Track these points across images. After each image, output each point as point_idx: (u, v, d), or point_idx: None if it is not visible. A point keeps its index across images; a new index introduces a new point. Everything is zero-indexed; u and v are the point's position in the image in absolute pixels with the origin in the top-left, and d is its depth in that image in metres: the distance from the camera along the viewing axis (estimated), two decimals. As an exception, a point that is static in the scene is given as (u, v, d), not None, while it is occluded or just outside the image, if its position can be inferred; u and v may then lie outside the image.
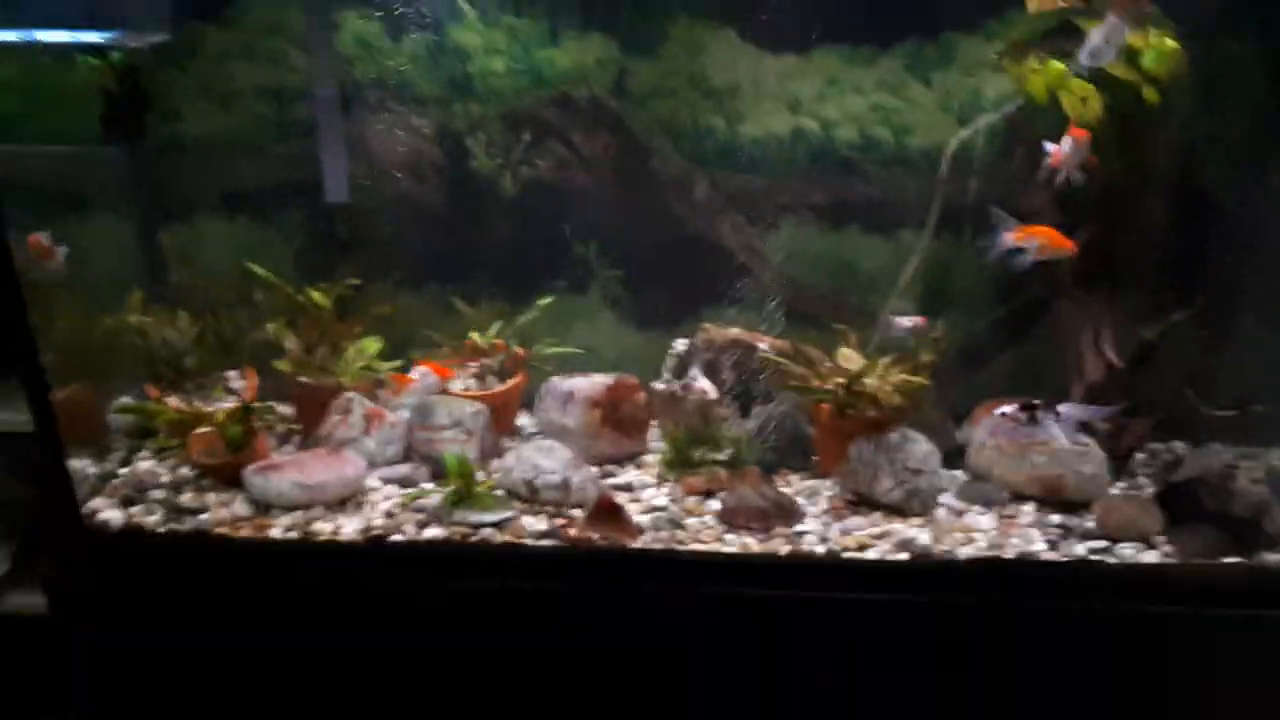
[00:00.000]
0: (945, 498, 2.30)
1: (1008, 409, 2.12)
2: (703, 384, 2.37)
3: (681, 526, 2.20)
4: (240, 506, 2.20)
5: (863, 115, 2.42)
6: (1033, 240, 2.09)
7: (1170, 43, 1.94)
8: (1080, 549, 2.15)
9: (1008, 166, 2.33)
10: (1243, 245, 2.30)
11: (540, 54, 2.40)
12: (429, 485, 2.30)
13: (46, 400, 2.04)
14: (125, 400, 2.47)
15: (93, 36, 2.08)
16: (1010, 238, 2.09)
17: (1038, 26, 2.12)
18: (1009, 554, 2.13)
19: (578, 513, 2.22)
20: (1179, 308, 2.25)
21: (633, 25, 2.38)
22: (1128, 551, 2.14)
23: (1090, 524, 2.21)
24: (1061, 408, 2.09)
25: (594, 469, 2.34)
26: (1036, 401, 2.09)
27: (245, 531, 2.14)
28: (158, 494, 2.23)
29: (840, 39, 2.37)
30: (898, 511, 2.24)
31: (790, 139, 2.44)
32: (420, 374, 2.29)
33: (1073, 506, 2.26)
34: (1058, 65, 2.07)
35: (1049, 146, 2.08)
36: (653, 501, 2.29)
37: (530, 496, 2.24)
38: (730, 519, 2.21)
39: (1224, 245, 2.29)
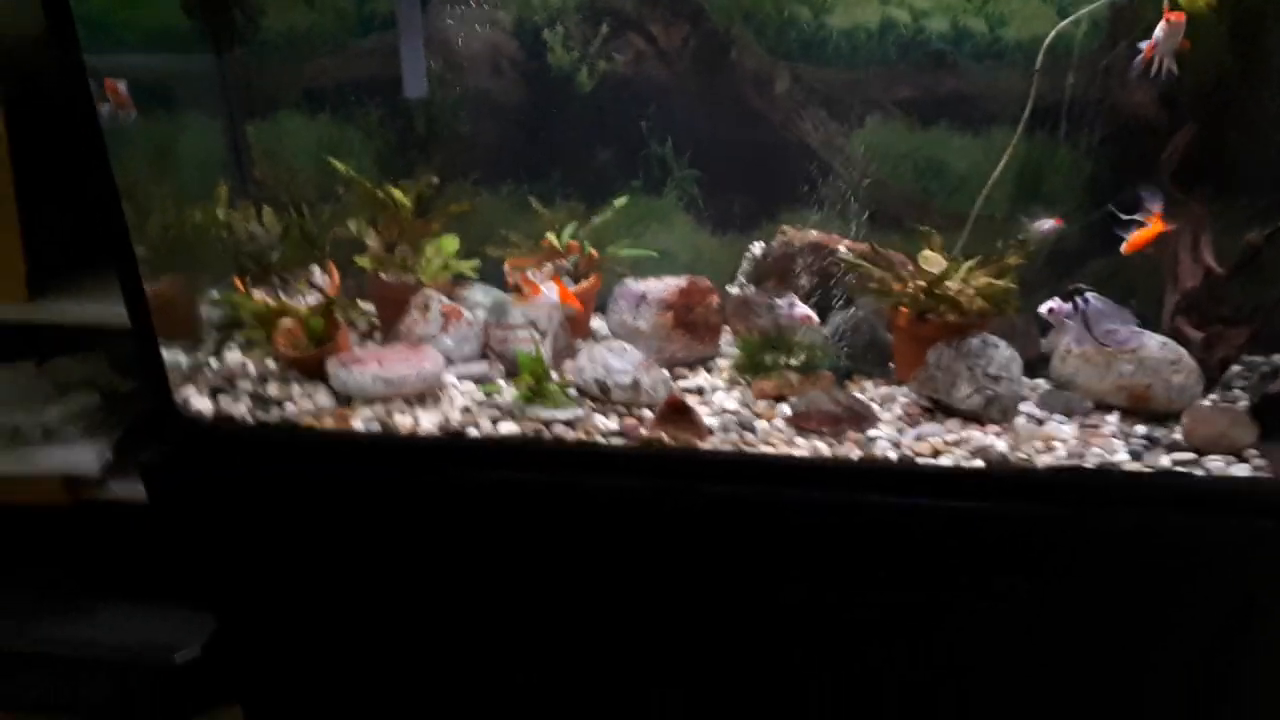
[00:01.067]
0: (1026, 406, 2.25)
1: (1054, 304, 2.06)
2: (801, 309, 2.31)
3: (751, 429, 2.20)
4: (323, 398, 2.27)
5: (955, 5, 2.29)
6: None
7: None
8: (1165, 460, 2.09)
9: (1109, 60, 2.19)
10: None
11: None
12: (503, 383, 2.34)
13: (141, 294, 2.11)
14: (216, 297, 2.54)
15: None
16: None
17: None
18: (1089, 463, 2.08)
19: (649, 413, 2.23)
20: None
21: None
22: (1216, 464, 2.07)
23: (1178, 435, 2.15)
24: (1093, 298, 2.04)
25: (665, 371, 2.34)
26: (1080, 286, 2.04)
27: (328, 422, 2.21)
28: (245, 385, 2.32)
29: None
30: (975, 418, 2.19)
31: (878, 30, 2.34)
32: (548, 289, 2.30)
33: (1160, 417, 2.19)
34: (1170, -53, 1.93)
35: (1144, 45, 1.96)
36: (723, 404, 2.29)
37: (602, 396, 2.26)
38: (800, 422, 2.20)
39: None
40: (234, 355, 2.43)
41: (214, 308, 2.45)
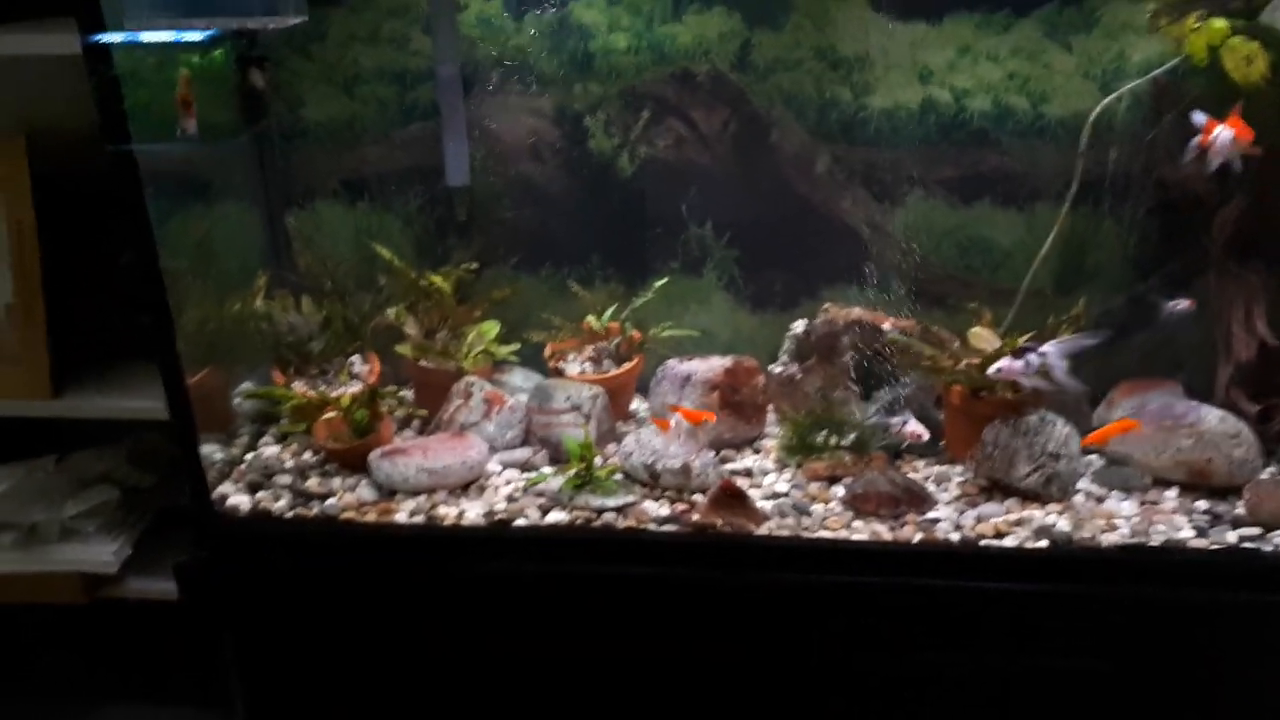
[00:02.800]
0: (1083, 483, 2.21)
1: (1003, 364, 2.08)
2: (914, 427, 2.26)
3: (807, 513, 2.15)
4: (365, 491, 2.21)
5: (997, 83, 2.31)
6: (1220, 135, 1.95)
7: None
8: (1231, 536, 2.04)
9: (1155, 134, 2.20)
10: None
11: (662, 29, 2.35)
12: (548, 469, 2.29)
13: (182, 386, 2.07)
14: (250, 386, 2.50)
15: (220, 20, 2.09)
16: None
17: (1196, -17, 2.01)
18: (1155, 541, 2.04)
19: (699, 498, 2.18)
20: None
21: (756, -3, 2.32)
22: (1284, 540, 2.03)
23: (1240, 510, 2.10)
24: (1045, 346, 2.06)
25: (712, 454, 2.30)
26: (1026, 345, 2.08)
27: (370, 516, 2.15)
28: (283, 479, 2.26)
29: (974, 6, 2.27)
30: (1034, 497, 2.15)
31: (920, 110, 2.35)
32: (675, 420, 2.25)
33: (1220, 492, 2.15)
34: (1220, 22, 1.94)
35: (1198, 118, 1.96)
36: (774, 487, 2.24)
37: (650, 481, 2.21)
38: (858, 505, 2.15)
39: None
40: (271, 449, 2.38)
41: (250, 400, 2.40)
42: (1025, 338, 2.21)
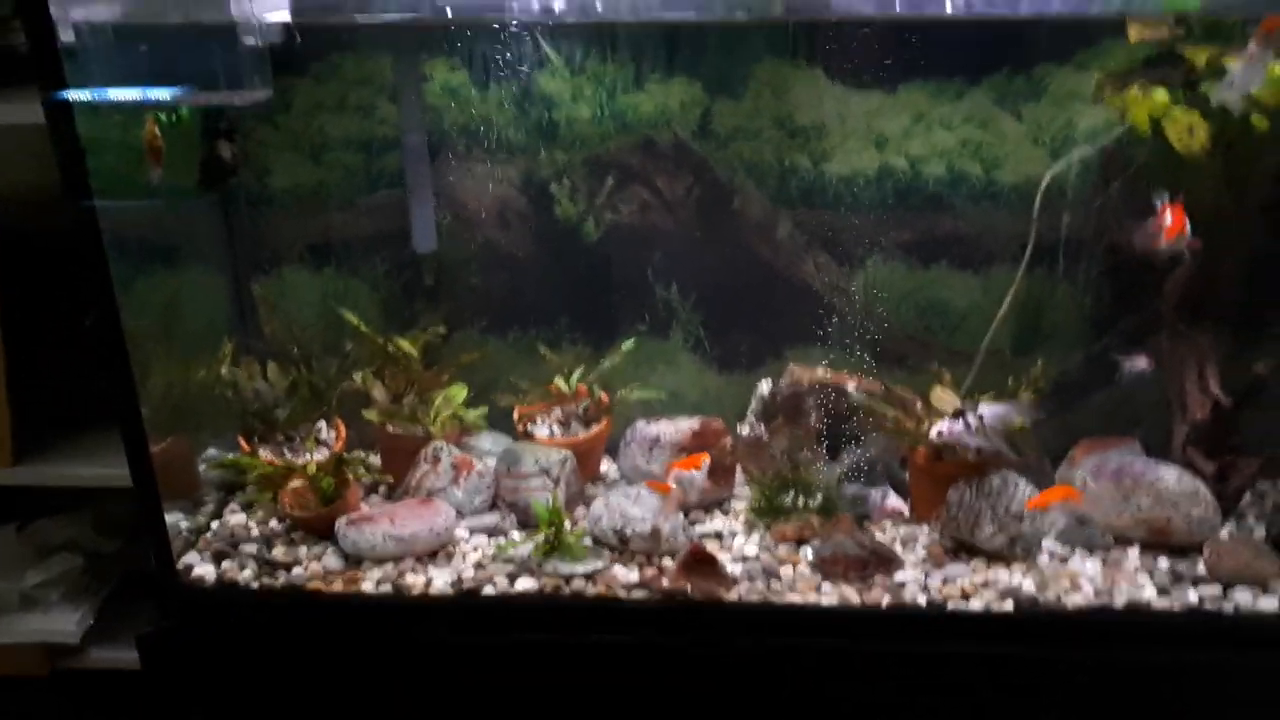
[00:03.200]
0: (1046, 542, 2.24)
1: (943, 427, 2.15)
2: (894, 502, 2.33)
3: (776, 576, 2.15)
4: (331, 559, 2.19)
5: (951, 150, 2.37)
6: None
7: (1278, 68, 1.88)
8: (1193, 595, 2.08)
9: (1104, 200, 2.27)
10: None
11: (625, 99, 2.40)
12: (517, 535, 2.28)
13: (146, 454, 2.05)
14: (214, 453, 2.48)
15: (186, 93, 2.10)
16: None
17: (1138, 56, 2.08)
18: (1119, 602, 2.06)
19: (669, 562, 2.18)
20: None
21: (717, 67, 2.36)
22: (1243, 597, 2.06)
23: (1201, 569, 2.14)
24: (982, 409, 2.15)
25: (682, 516, 2.30)
26: (961, 409, 2.17)
27: (337, 585, 2.13)
28: (249, 548, 2.24)
29: (928, 75, 2.33)
30: (999, 558, 2.17)
31: (877, 176, 2.40)
32: (675, 477, 2.28)
33: (1181, 550, 2.18)
34: (1161, 94, 2.01)
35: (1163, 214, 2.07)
36: (743, 550, 2.25)
37: (620, 545, 2.21)
38: (826, 568, 2.16)
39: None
40: (236, 517, 2.35)
41: (215, 468, 2.38)
42: (985, 398, 2.25)
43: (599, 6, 1.99)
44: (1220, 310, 2.23)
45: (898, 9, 1.94)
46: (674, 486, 2.27)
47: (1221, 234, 2.14)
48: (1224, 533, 2.22)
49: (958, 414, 2.16)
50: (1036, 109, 2.33)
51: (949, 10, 1.84)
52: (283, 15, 1.93)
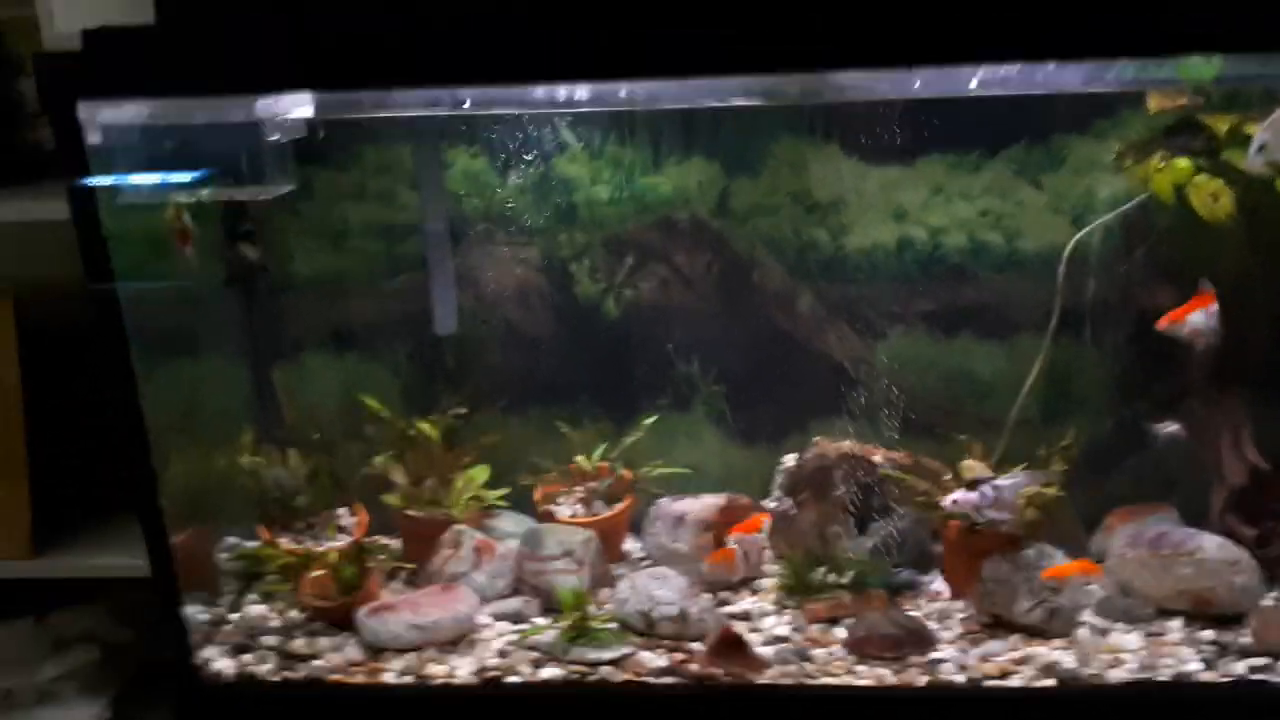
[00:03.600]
0: (1085, 615, 2.18)
1: (958, 495, 2.12)
2: (940, 586, 2.30)
3: (808, 658, 2.09)
4: (352, 650, 2.14)
5: (971, 221, 2.37)
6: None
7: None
8: (1240, 667, 2.01)
9: (1128, 266, 2.26)
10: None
11: (643, 180, 2.41)
12: (541, 620, 2.23)
13: (165, 544, 2.03)
14: (232, 543, 2.45)
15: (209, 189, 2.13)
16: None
17: (1158, 125, 2.08)
18: (1163, 676, 2.00)
19: (697, 645, 2.13)
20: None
21: (735, 146, 2.38)
22: (1293, 669, 2.00)
23: (1246, 639, 2.07)
24: (1000, 479, 2.13)
25: (709, 596, 2.25)
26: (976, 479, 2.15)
27: (359, 677, 2.08)
28: (269, 640, 2.19)
29: (946, 148, 2.34)
30: (1038, 633, 2.11)
31: (896, 248, 2.40)
32: (737, 540, 2.25)
33: (1224, 621, 2.12)
34: (1184, 163, 2.01)
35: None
36: (773, 631, 2.19)
37: (646, 629, 2.15)
38: (860, 648, 2.10)
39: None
40: (256, 608, 2.31)
41: (236, 559, 2.35)
42: (1016, 468, 2.22)
43: (618, 95, 2.02)
44: (1253, 375, 2.20)
45: (914, 87, 1.96)
46: (737, 549, 2.22)
47: (1250, 298, 2.12)
48: (1268, 600, 2.16)
49: (972, 484, 2.13)
50: (1056, 178, 2.33)
51: (966, 87, 1.85)
52: (307, 110, 1.95)
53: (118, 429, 1.95)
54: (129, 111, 1.82)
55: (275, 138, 1.98)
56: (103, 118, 1.77)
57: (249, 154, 1.92)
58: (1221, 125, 2.04)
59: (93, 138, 1.77)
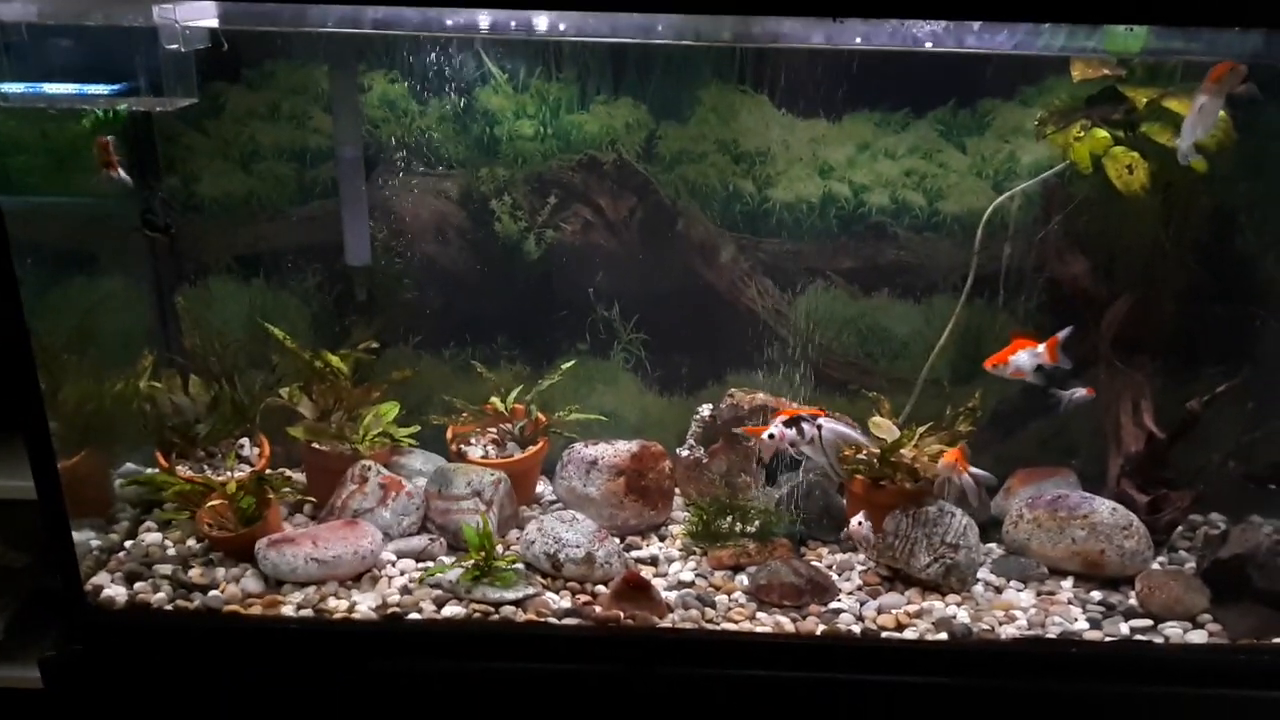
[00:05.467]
0: (982, 572, 2.23)
1: (775, 429, 2.10)
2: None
3: (711, 604, 2.11)
4: (250, 582, 2.10)
5: (895, 180, 2.37)
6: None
7: (1220, 112, 1.91)
8: (1124, 628, 2.09)
9: (1045, 233, 2.28)
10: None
11: (569, 118, 2.36)
12: (446, 559, 2.22)
13: (52, 468, 1.95)
14: (131, 469, 2.37)
15: (105, 95, 2.01)
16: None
17: (1081, 94, 2.09)
18: (1051, 634, 2.06)
19: (602, 589, 2.14)
20: (1223, 378, 2.20)
21: (663, 90, 2.34)
22: (1173, 631, 2.07)
23: (1133, 601, 2.15)
24: (821, 419, 2.10)
25: (617, 541, 2.26)
26: (802, 415, 2.11)
27: (256, 609, 2.05)
28: (164, 569, 2.14)
29: (874, 105, 2.33)
30: (934, 588, 2.16)
31: (820, 203, 2.40)
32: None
33: (1113, 582, 2.20)
34: (1102, 133, 2.03)
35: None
36: (679, 576, 2.21)
37: (553, 571, 2.15)
38: (761, 595, 2.13)
39: (1272, 314, 2.25)
40: (152, 536, 2.25)
41: (130, 485, 2.27)
42: (923, 428, 2.25)
43: (544, 25, 1.95)
44: (1156, 346, 2.26)
45: (849, 40, 1.94)
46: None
47: (1159, 271, 2.17)
48: (1156, 565, 2.24)
49: (792, 421, 2.11)
50: (980, 142, 2.34)
51: (895, 43, 1.84)
52: (210, 19, 1.85)
53: (3, 348, 1.86)
54: (14, 7, 1.70)
55: (174, 46, 1.86)
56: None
57: (146, 62, 1.81)
58: (1142, 98, 2.06)
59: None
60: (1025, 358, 2.10)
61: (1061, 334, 2.10)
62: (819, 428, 2.09)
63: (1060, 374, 2.13)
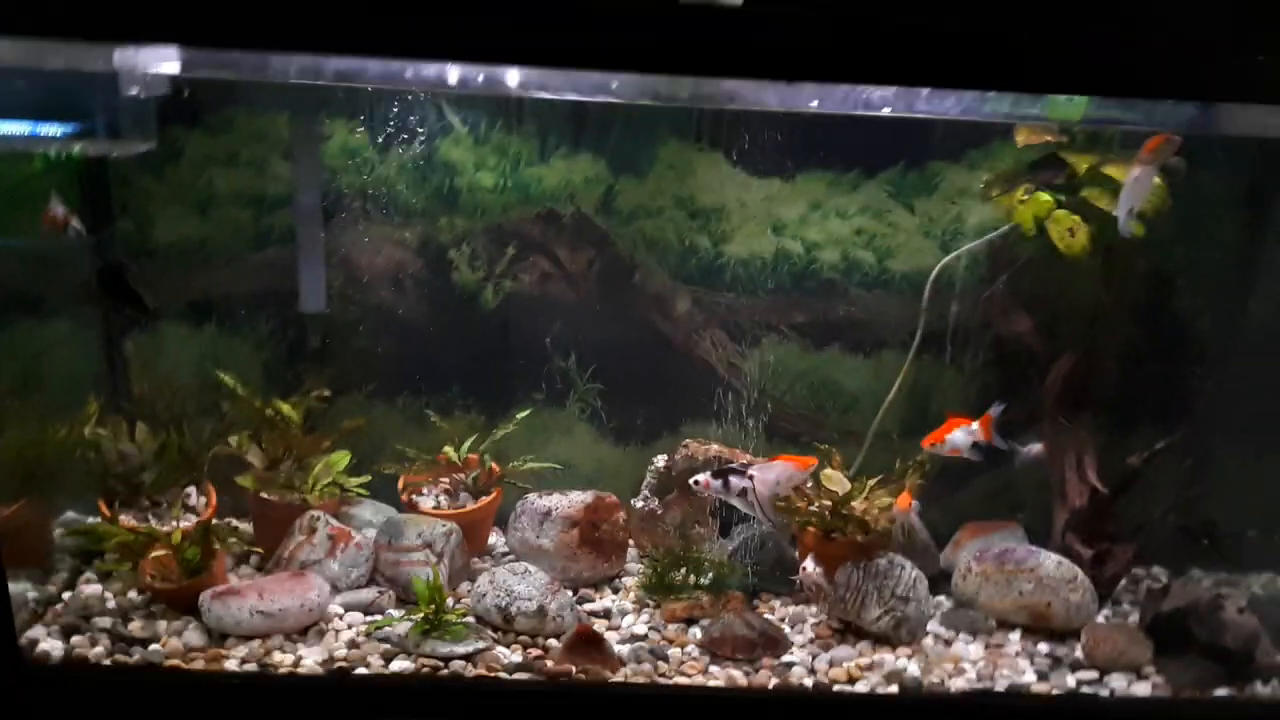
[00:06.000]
0: (932, 625, 2.25)
1: (701, 478, 2.14)
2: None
3: (664, 658, 2.10)
4: (193, 635, 2.05)
5: (846, 238, 2.43)
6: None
7: (1155, 179, 1.99)
8: (1071, 680, 2.11)
9: (990, 291, 2.35)
10: (1227, 374, 2.34)
11: (529, 171, 2.39)
12: (395, 612, 2.18)
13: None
14: (72, 517, 2.31)
15: (61, 137, 1.99)
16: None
17: (1024, 159, 2.17)
18: (1000, 686, 2.08)
19: (554, 642, 2.12)
20: (1163, 435, 2.26)
21: (622, 146, 2.39)
22: (1119, 683, 2.10)
23: (1079, 653, 2.18)
24: (753, 470, 2.12)
25: (570, 594, 2.24)
26: (730, 466, 2.15)
27: (198, 663, 1.99)
28: (104, 621, 2.08)
29: (826, 165, 2.40)
30: (885, 640, 2.18)
31: (774, 260, 2.45)
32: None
33: (1060, 635, 2.23)
34: (1045, 197, 2.11)
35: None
36: (632, 629, 2.20)
37: (504, 624, 2.13)
38: (715, 648, 2.12)
39: (1208, 373, 2.33)
40: (92, 588, 2.19)
41: (71, 535, 2.22)
42: (874, 481, 2.28)
43: (507, 80, 1.98)
44: (1099, 403, 2.32)
45: (803, 103, 2.00)
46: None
47: (1100, 330, 2.24)
48: (1101, 618, 2.28)
49: (720, 472, 2.13)
50: (928, 203, 2.41)
51: (848, 107, 1.90)
52: (172, 66, 1.85)
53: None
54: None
55: (134, 92, 1.86)
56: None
57: (105, 107, 1.80)
58: (1083, 164, 2.14)
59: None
60: (961, 436, 2.18)
61: (993, 410, 2.17)
62: (750, 477, 2.11)
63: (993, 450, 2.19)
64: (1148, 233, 2.06)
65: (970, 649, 2.19)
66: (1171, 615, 2.16)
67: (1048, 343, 2.30)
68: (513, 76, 2.01)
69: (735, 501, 2.12)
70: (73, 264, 2.32)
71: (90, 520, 2.27)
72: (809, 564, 2.20)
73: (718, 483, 2.10)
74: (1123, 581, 2.37)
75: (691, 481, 2.13)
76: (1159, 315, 2.34)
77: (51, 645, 2.02)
